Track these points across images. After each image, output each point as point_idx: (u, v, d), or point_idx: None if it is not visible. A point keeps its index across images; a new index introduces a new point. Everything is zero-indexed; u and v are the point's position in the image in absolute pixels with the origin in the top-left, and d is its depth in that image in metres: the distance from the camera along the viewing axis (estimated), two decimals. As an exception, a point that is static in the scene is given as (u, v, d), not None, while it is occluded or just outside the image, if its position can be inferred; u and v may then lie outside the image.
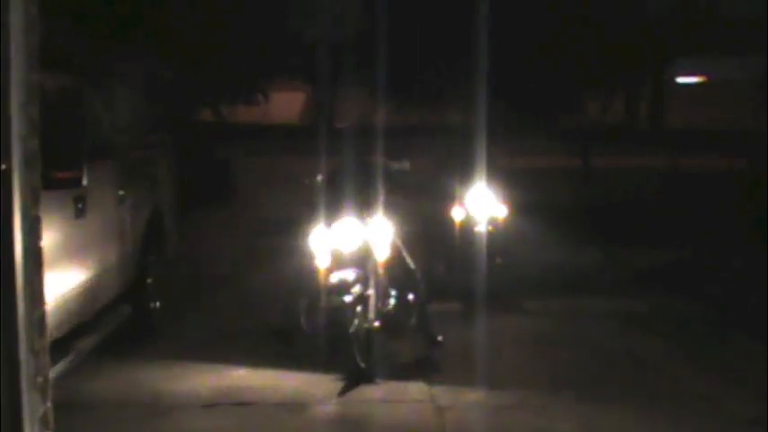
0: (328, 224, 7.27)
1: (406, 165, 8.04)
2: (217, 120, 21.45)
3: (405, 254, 7.69)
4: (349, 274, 7.05)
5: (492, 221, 9.89)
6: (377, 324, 7.04)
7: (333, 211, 7.34)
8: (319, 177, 7.75)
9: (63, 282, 6.04)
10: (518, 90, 18.09)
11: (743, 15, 29.61)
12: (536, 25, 18.37)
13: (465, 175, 10.04)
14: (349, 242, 7.24)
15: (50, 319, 5.84)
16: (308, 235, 7.30)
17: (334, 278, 7.02)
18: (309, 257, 7.21)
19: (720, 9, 29.29)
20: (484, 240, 9.76)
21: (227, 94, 20.29)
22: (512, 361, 7.61)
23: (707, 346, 8.09)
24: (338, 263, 7.15)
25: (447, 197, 10.08)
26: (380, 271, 7.20)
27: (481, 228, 9.81)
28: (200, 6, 16.45)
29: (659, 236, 12.96)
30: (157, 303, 8.29)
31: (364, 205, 7.36)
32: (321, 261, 7.11)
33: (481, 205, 9.88)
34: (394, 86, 15.98)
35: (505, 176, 10.35)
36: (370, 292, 7.11)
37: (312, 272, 7.17)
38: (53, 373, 5.82)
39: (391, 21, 15.69)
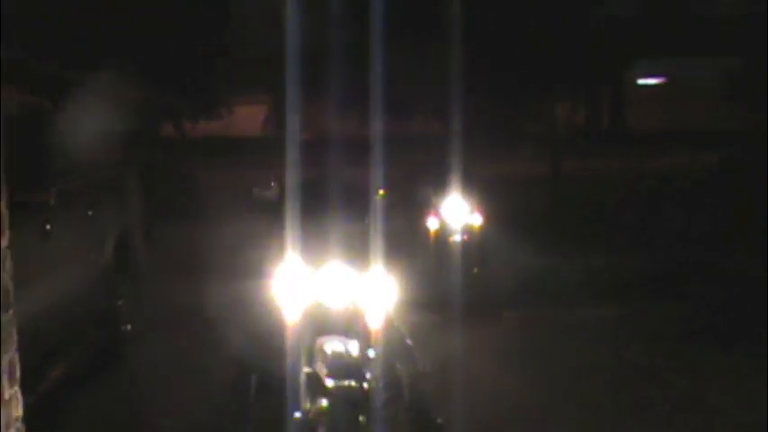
0: (306, 265, 5.16)
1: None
2: (179, 135, 21.19)
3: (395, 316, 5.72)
4: (350, 345, 5.16)
5: (467, 230, 9.74)
6: (361, 418, 5.00)
7: (307, 246, 5.22)
8: (259, 191, 6.08)
9: (30, 306, 5.81)
10: (487, 95, 17.98)
11: (705, 15, 29.74)
12: (503, 28, 18.27)
13: (439, 184, 9.89)
14: (337, 297, 5.24)
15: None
16: (270, 275, 5.23)
17: (329, 348, 5.14)
18: (271, 309, 5.22)
19: (682, 9, 29.40)
20: (459, 250, 9.62)
21: (189, 108, 20.04)
22: (499, 386, 7.16)
23: (696, 353, 7.91)
24: (314, 322, 5.23)
25: (422, 207, 9.93)
26: (373, 342, 5.17)
27: (456, 237, 9.66)
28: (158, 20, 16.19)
29: (637, 240, 12.82)
30: (128, 326, 8.03)
31: (357, 248, 5.32)
32: (291, 316, 5.07)
33: (456, 214, 9.73)
34: (361, 96, 15.77)
35: (479, 184, 10.19)
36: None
37: (273, 329, 5.21)
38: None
39: (357, 29, 15.50)
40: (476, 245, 9.77)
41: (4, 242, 2.71)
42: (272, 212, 5.82)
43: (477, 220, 9.82)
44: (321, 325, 5.22)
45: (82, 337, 7.09)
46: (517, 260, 11.04)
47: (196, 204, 17.09)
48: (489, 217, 9.98)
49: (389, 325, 5.38)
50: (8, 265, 2.74)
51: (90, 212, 7.15)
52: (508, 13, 18.82)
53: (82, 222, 6.99)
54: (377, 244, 5.15)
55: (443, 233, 9.69)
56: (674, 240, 12.51)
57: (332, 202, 5.58)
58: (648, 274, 11.03)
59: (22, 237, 5.72)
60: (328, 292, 5.20)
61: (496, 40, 18.38)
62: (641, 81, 35.53)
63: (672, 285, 10.37)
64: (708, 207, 14.02)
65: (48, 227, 6.03)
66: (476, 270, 9.63)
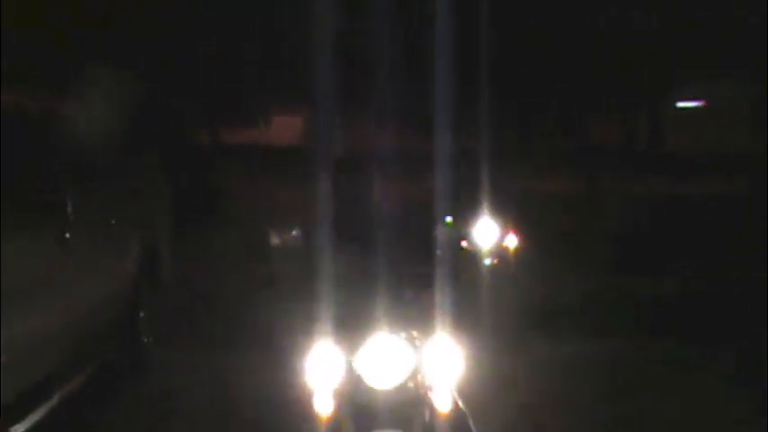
0: (339, 338, 4.02)
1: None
2: (214, 142, 21.05)
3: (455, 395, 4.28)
4: None
5: (500, 252, 9.47)
6: None
7: (345, 309, 4.09)
8: (294, 232, 4.63)
9: (48, 318, 5.63)
10: (520, 111, 17.85)
11: (742, 39, 29.46)
12: (539, 48, 18.15)
13: (472, 203, 9.62)
14: (386, 379, 4.01)
15: (34, 360, 5.49)
16: (297, 353, 4.14)
17: None
18: (301, 394, 4.13)
19: (720, 33, 29.16)
20: (490, 273, 9.35)
21: (226, 116, 19.93)
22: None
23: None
24: (357, 413, 4.03)
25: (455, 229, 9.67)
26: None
27: (487, 260, 9.39)
28: (198, 27, 16.10)
29: (674, 265, 12.46)
30: (150, 338, 7.83)
31: (413, 309, 4.17)
32: (327, 407, 4.03)
33: (488, 235, 9.46)
34: (396, 109, 15.63)
35: (515, 203, 9.89)
36: None
37: (306, 421, 4.11)
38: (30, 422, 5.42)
39: (390, 44, 15.38)
40: (509, 268, 9.50)
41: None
42: (297, 264, 4.46)
43: (512, 241, 9.55)
44: (367, 417, 4.02)
45: (100, 348, 6.88)
46: (551, 284, 10.73)
47: (227, 216, 16.81)
48: (525, 238, 9.68)
49: (456, 411, 4.16)
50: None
51: (113, 220, 6.95)
52: (546, 33, 18.70)
53: (103, 230, 6.79)
54: (443, 301, 4.06)
55: (475, 255, 9.42)
56: (714, 266, 12.16)
57: (377, 242, 4.21)
58: (686, 303, 10.62)
59: (39, 244, 5.57)
60: (375, 373, 4.00)
61: (534, 59, 18.25)
62: (681, 104, 35.24)
63: (710, 318, 9.90)
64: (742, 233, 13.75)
65: (66, 235, 5.84)
66: (506, 294, 9.35)
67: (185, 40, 15.70)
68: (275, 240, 4.75)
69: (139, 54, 12.52)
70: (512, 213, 9.66)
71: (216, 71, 17.60)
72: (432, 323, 4.05)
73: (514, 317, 8.90)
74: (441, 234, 4.55)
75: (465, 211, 9.48)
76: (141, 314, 7.63)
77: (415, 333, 4.05)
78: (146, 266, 7.73)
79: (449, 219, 4.97)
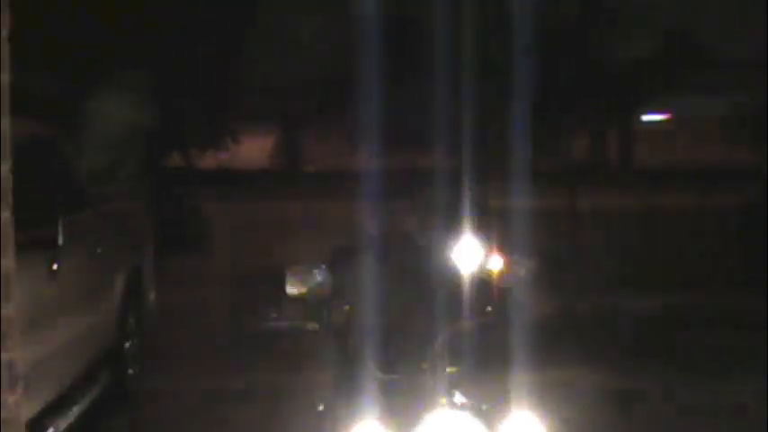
0: (388, 415, 3.10)
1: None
2: (186, 165, 20.82)
3: None
4: None
5: (482, 274, 9.28)
6: None
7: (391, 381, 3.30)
8: (319, 275, 3.60)
9: (35, 352, 5.46)
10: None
11: (714, 55, 29.74)
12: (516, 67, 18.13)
13: (451, 223, 9.45)
14: None
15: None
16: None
17: None
18: None
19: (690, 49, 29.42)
20: (471, 297, 9.15)
21: (198, 137, 19.69)
22: None
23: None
24: None
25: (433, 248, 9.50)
26: None
27: (468, 283, 9.18)
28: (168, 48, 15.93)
29: (660, 282, 12.39)
30: (137, 369, 7.65)
31: (480, 373, 3.49)
32: None
33: (469, 256, 9.27)
34: (373, 128, 15.53)
35: (497, 221, 9.74)
36: None
37: None
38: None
39: (369, 63, 15.28)
40: (492, 290, 9.31)
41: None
42: (324, 322, 3.55)
43: (496, 262, 9.37)
44: None
45: (87, 382, 6.70)
46: (541, 307, 10.51)
47: (205, 240, 16.56)
48: (509, 258, 9.50)
49: None
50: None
51: (99, 250, 6.79)
52: (520, 50, 18.70)
53: (90, 260, 6.63)
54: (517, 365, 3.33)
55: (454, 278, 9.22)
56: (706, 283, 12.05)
57: (434, 288, 3.42)
58: (678, 322, 10.43)
59: (27, 277, 5.38)
60: None
61: (511, 76, 18.25)
62: (645, 118, 35.49)
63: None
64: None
65: (54, 266, 5.68)
66: (490, 316, 9.12)
67: (155, 59, 15.55)
68: (293, 289, 3.55)
69: (111, 73, 12.34)
70: (495, 232, 9.51)
71: (188, 91, 17.40)
72: (501, 393, 3.27)
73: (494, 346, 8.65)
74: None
75: (448, 229, 9.33)
76: (127, 344, 7.46)
77: (483, 406, 3.15)
78: (130, 296, 7.58)
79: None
